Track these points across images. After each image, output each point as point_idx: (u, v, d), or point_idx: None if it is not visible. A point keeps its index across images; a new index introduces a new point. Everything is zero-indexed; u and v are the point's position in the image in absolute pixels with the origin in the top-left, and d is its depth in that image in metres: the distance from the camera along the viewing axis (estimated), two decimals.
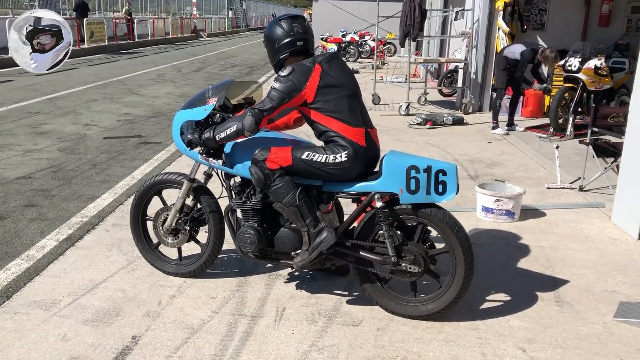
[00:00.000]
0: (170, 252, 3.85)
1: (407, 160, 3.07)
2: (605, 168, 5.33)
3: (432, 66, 14.10)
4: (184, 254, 3.79)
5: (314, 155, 3.12)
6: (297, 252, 3.28)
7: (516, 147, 7.45)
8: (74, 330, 3.09)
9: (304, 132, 3.59)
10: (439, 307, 3.15)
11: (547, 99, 9.56)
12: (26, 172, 6.11)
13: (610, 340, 3.04)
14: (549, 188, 5.61)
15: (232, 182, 3.53)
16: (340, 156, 3.08)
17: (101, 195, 5.37)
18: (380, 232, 3.18)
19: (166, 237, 3.70)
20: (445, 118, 8.82)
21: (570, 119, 7.85)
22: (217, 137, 3.20)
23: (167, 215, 3.66)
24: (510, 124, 8.38)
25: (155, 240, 3.81)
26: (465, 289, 3.12)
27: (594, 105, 5.51)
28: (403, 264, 3.13)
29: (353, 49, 21.00)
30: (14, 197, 5.30)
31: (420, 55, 10.89)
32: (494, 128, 8.27)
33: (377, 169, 3.23)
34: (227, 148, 3.39)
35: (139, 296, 3.47)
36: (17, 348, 2.92)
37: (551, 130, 7.96)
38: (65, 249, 4.13)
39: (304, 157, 3.13)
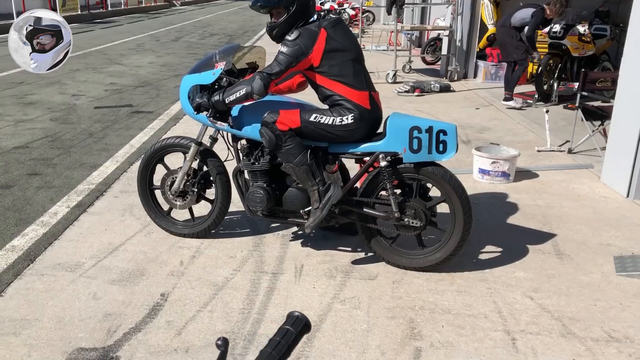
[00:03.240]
0: (181, 216, 3.96)
1: (410, 121, 3.22)
2: (593, 131, 5.55)
3: (413, 34, 14.19)
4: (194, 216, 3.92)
5: (322, 118, 3.24)
6: (307, 210, 3.42)
7: (504, 112, 7.65)
8: (103, 290, 3.20)
9: (306, 96, 3.68)
10: (446, 254, 3.33)
11: (530, 66, 9.77)
12: (22, 142, 6.11)
13: (609, 288, 3.28)
14: (539, 151, 5.83)
15: (239, 145, 3.63)
16: (347, 118, 3.21)
17: (103, 163, 5.42)
18: (384, 190, 3.34)
19: (175, 200, 3.80)
20: (432, 85, 8.97)
21: (555, 85, 8.06)
22: (226, 99, 3.29)
23: (174, 179, 3.76)
24: (509, 98, 8.11)
25: (165, 207, 3.91)
26: (467, 231, 3.30)
27: (583, 70, 5.69)
28: (406, 219, 3.30)
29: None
30: (16, 166, 5.32)
31: (402, 23, 10.97)
32: (506, 99, 7.93)
33: (380, 130, 3.37)
34: (235, 111, 3.47)
35: (160, 257, 3.59)
36: (51, 307, 3.03)
37: (536, 96, 8.16)
38: (78, 215, 4.21)
39: (311, 119, 3.25)
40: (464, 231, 3.27)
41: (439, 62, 11.41)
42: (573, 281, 3.34)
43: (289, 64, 3.18)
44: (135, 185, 4.67)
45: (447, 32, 10.21)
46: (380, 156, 3.22)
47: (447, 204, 3.29)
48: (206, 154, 3.68)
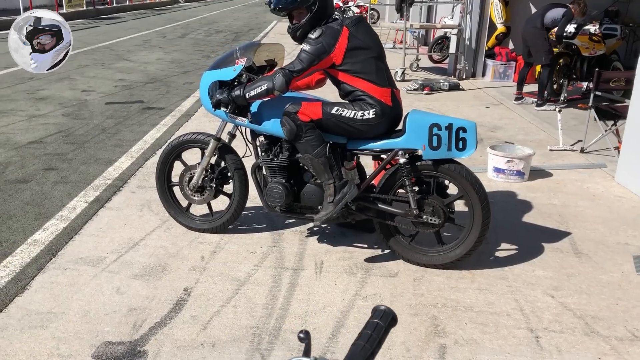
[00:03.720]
0: (200, 212, 3.99)
1: (430, 118, 3.24)
2: (606, 130, 5.56)
3: (419, 33, 14.18)
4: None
5: (343, 111, 3.26)
6: (321, 206, 3.44)
7: (514, 111, 7.66)
8: (126, 284, 3.22)
9: (325, 94, 3.68)
10: (465, 250, 3.35)
11: (538, 66, 9.77)
12: (36, 137, 6.13)
13: (630, 287, 3.29)
14: (551, 150, 5.84)
15: (257, 141, 3.65)
16: (368, 113, 3.23)
17: (118, 159, 5.44)
18: (402, 187, 3.35)
19: (193, 195, 3.82)
20: (441, 84, 8.98)
21: (565, 84, 8.07)
22: (247, 94, 3.30)
23: (192, 174, 3.78)
24: (520, 98, 8.14)
25: (184, 203, 3.93)
26: (486, 227, 3.31)
27: (597, 69, 5.70)
28: (424, 216, 3.32)
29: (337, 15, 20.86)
30: (31, 161, 5.34)
31: (405, 21, 10.97)
32: (539, 105, 7.79)
33: (398, 127, 3.38)
34: (254, 107, 3.49)
35: (181, 252, 3.60)
36: (76, 300, 3.05)
37: (546, 95, 8.16)
38: (96, 210, 4.23)
39: (333, 111, 3.27)
40: (482, 227, 3.29)
41: (446, 61, 11.41)
42: (593, 280, 3.36)
43: (311, 62, 3.19)
44: (152, 181, 4.71)
45: (455, 31, 10.21)
46: (400, 153, 3.24)
47: (465, 200, 3.30)
48: (224, 149, 3.70)
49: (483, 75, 10.05)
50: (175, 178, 3.90)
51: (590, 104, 5.69)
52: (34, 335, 2.76)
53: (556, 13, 7.58)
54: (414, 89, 8.89)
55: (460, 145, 3.16)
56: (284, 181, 3.47)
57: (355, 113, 3.24)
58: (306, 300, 3.10)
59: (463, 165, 3.28)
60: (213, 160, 3.74)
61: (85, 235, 3.83)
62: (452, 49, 10.42)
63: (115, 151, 5.68)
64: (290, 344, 2.73)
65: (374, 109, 3.23)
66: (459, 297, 3.16)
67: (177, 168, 3.88)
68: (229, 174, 3.75)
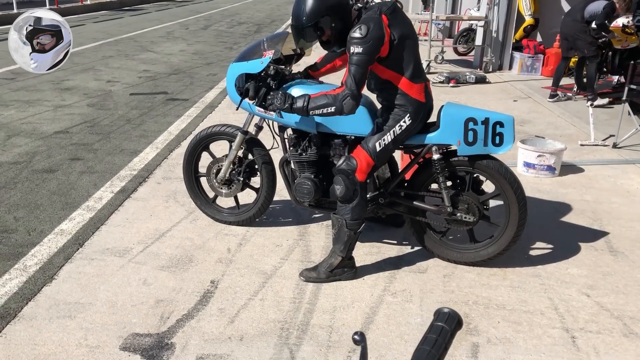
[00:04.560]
0: (226, 204, 3.96)
1: (465, 112, 3.12)
2: None
3: (443, 25, 13.99)
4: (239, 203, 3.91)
5: (384, 139, 3.07)
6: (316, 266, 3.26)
7: (543, 105, 7.51)
8: (153, 276, 3.20)
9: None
10: (499, 249, 3.26)
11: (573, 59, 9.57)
12: (62, 127, 6.15)
13: None
14: (582, 145, 5.70)
15: (285, 134, 3.57)
16: (405, 121, 3.06)
17: (143, 149, 5.43)
18: (436, 183, 3.25)
19: (221, 188, 3.78)
20: (467, 77, 8.84)
21: (596, 77, 7.87)
22: (310, 111, 3.06)
23: (219, 167, 3.74)
24: (555, 95, 7.81)
25: (211, 194, 3.90)
26: (521, 227, 3.21)
27: (632, 62, 5.54)
28: (458, 214, 3.22)
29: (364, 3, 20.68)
30: (58, 150, 5.36)
31: (432, 13, 10.81)
32: (591, 100, 6.98)
33: (430, 120, 3.27)
34: None
35: (207, 244, 3.58)
36: (103, 291, 3.04)
37: (575, 89, 7.99)
38: (122, 201, 4.22)
39: (378, 148, 3.07)
40: (518, 227, 3.19)
41: (472, 53, 11.23)
42: (630, 279, 3.26)
43: (367, 64, 2.90)
44: (177, 172, 4.70)
45: (482, 23, 10.04)
46: (434, 148, 3.15)
47: (502, 199, 3.21)
48: (252, 142, 3.65)
49: (510, 68, 9.87)
50: (202, 169, 3.87)
51: (624, 98, 5.53)
52: (62, 325, 2.75)
53: (596, 7, 7.28)
54: (440, 82, 8.76)
55: (497, 141, 3.06)
56: (312, 176, 3.38)
57: (394, 130, 3.06)
58: (334, 295, 3.05)
59: (501, 162, 3.18)
60: (240, 152, 3.70)
61: (112, 225, 3.82)
62: (479, 41, 10.24)
63: (140, 142, 5.68)
64: (319, 339, 2.68)
65: (408, 113, 3.05)
66: (490, 295, 3.08)
67: (205, 159, 3.85)
68: (257, 168, 3.70)
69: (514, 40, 9.88)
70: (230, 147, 3.67)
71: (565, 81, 9.02)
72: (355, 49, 2.86)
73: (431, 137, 3.15)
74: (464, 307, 2.96)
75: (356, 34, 2.87)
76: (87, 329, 2.72)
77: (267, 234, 3.72)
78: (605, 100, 7.47)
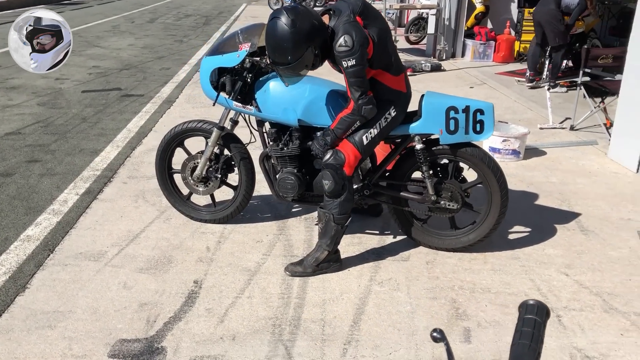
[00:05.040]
0: (201, 201, 3.87)
1: (446, 100, 3.15)
2: (596, 107, 5.59)
3: (393, 14, 14.09)
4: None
5: (370, 132, 3.04)
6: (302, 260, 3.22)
7: (499, 91, 7.67)
8: (133, 279, 3.10)
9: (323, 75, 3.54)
10: (480, 236, 3.31)
11: (516, 45, 9.82)
12: (13, 127, 5.88)
13: None
14: (541, 128, 5.86)
15: (264, 128, 3.51)
16: (390, 113, 3.05)
17: (103, 148, 5.25)
18: (419, 172, 3.27)
19: (197, 186, 3.69)
20: (423, 65, 8.93)
21: (546, 62, 8.09)
22: (340, 135, 3.04)
23: (195, 164, 3.64)
24: (533, 80, 7.91)
25: (185, 191, 3.81)
26: (502, 214, 3.27)
27: (585, 47, 5.72)
28: (442, 202, 3.25)
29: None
30: (12, 153, 5.11)
31: (385, 2, 10.88)
32: (551, 87, 7.24)
33: (411, 109, 3.27)
34: (261, 94, 3.30)
35: (185, 244, 3.49)
36: (82, 297, 2.92)
37: (527, 73, 8.19)
38: (89, 202, 4.06)
39: (365, 142, 3.05)
40: (500, 214, 3.24)
41: (423, 42, 11.37)
42: (603, 257, 3.37)
43: (363, 69, 2.85)
44: (142, 171, 4.58)
45: (434, 11, 10.15)
46: (416, 138, 3.16)
47: (484, 186, 3.25)
48: (229, 138, 3.57)
49: (463, 55, 10.04)
50: (176, 165, 3.76)
51: (579, 82, 5.71)
52: (42, 336, 2.63)
53: (570, 0, 7.43)
54: None
55: (478, 128, 3.10)
56: (295, 171, 3.32)
57: (379, 123, 3.04)
58: (322, 288, 3.03)
59: (484, 150, 3.23)
60: (216, 149, 3.61)
61: (82, 229, 3.68)
62: (431, 29, 10.36)
63: (99, 141, 5.49)
64: (312, 333, 2.66)
65: (392, 104, 3.05)
66: (474, 279, 3.13)
67: (178, 156, 3.74)
68: (234, 164, 3.62)
69: (465, 28, 10.05)
70: (206, 143, 3.58)
71: (518, 66, 9.28)
72: (349, 62, 2.80)
73: (414, 127, 3.16)
74: (451, 293, 2.99)
75: (342, 47, 2.79)
76: (71, 338, 2.61)
77: (245, 231, 3.66)
78: (564, 89, 7.69)
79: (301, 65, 2.92)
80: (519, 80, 8.18)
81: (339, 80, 3.47)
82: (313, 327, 2.70)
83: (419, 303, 2.90)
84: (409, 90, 3.18)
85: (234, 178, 3.76)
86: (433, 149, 3.20)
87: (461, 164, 3.31)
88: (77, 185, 4.36)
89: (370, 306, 2.87)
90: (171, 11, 20.18)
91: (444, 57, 9.89)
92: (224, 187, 3.75)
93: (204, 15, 19.00)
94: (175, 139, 3.65)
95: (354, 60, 2.80)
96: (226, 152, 3.64)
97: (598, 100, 5.70)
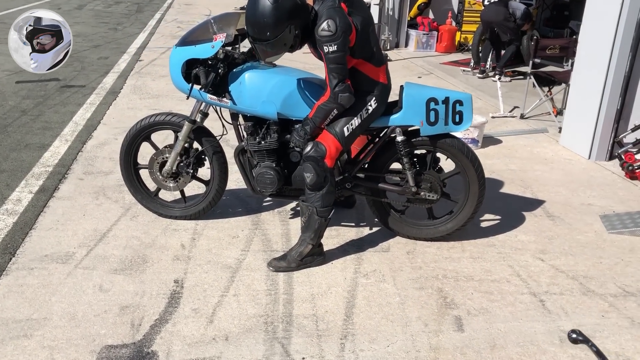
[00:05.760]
0: (170, 197, 3.73)
1: (426, 92, 3.15)
2: (546, 95, 5.80)
3: None
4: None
5: (351, 123, 3.01)
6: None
7: (446, 81, 7.82)
8: (109, 281, 2.94)
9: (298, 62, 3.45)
10: (458, 225, 3.36)
11: (457, 35, 10.04)
12: None
13: (606, 246, 3.46)
14: (493, 117, 6.01)
15: (239, 121, 3.40)
16: (371, 105, 3.03)
17: (51, 143, 4.95)
18: (399, 163, 3.27)
19: (166, 182, 3.54)
20: None
21: (510, 58, 8.30)
22: (318, 125, 3.00)
23: (164, 159, 3.50)
24: (484, 70, 8.13)
25: (152, 187, 3.65)
26: (480, 203, 3.33)
27: (535, 37, 5.91)
28: (422, 193, 3.27)
29: None
30: None
31: None
32: (499, 75, 7.46)
33: (390, 100, 3.26)
34: (234, 87, 3.17)
35: (157, 242, 3.34)
36: (56, 303, 2.74)
37: (471, 63, 8.40)
38: (45, 201, 3.82)
39: (347, 133, 3.01)
40: (477, 203, 3.29)
41: None
42: (572, 241, 3.49)
43: (344, 56, 2.80)
44: (98, 166, 4.38)
45: (377, 1, 10.20)
46: (397, 130, 3.15)
47: (462, 176, 3.29)
48: (199, 131, 3.43)
49: (406, 45, 10.16)
50: (141, 160, 3.59)
51: (529, 71, 5.90)
52: (19, 346, 2.44)
53: (516, 5, 7.64)
54: None
55: (457, 119, 3.13)
56: (274, 165, 3.24)
57: (361, 114, 3.02)
58: (308, 283, 2.98)
59: (462, 140, 3.26)
60: (186, 143, 3.46)
61: (42, 229, 3.45)
62: (375, 19, 10.41)
63: (45, 135, 5.17)
64: (306, 329, 2.61)
65: (374, 96, 3.02)
66: (456, 267, 3.17)
67: (143, 150, 3.58)
68: (205, 158, 3.49)
69: (408, 18, 10.17)
70: (176, 137, 3.43)
71: (460, 56, 9.50)
72: (330, 48, 2.76)
73: (394, 119, 3.14)
74: (436, 282, 3.02)
75: (325, 32, 2.75)
76: (52, 347, 2.44)
77: (219, 226, 3.55)
78: (508, 78, 7.92)
79: (280, 43, 2.87)
80: (464, 70, 8.37)
81: (314, 71, 3.42)
82: (306, 323, 2.65)
83: (407, 294, 2.91)
84: (390, 82, 3.16)
85: (203, 172, 3.64)
86: (412, 140, 3.20)
87: (438, 155, 3.34)
88: (29, 183, 4.09)
89: (359, 299, 2.85)
90: None
91: (388, 47, 9.98)
92: (192, 183, 3.61)
93: (135, 2, 18.28)
94: (141, 133, 3.48)
95: (335, 46, 2.77)
96: (195, 145, 3.50)
97: (546, 89, 5.92)
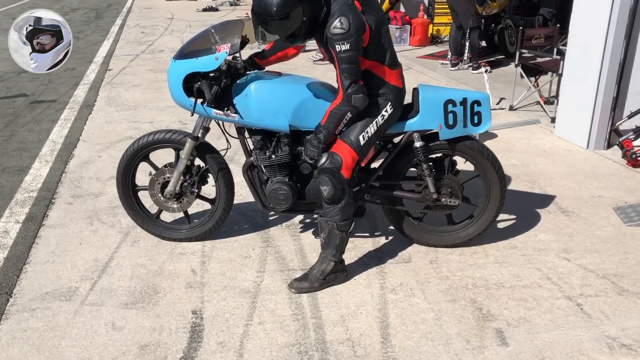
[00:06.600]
0: (169, 218, 3.52)
1: (443, 94, 3.01)
2: (534, 86, 5.75)
3: None
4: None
5: (367, 130, 2.86)
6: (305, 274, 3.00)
7: (427, 75, 7.73)
8: (120, 317, 2.72)
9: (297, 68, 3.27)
10: (480, 229, 3.24)
11: (430, 27, 9.98)
12: None
13: (627, 240, 3.39)
14: None
15: (246, 136, 3.20)
16: (387, 110, 2.88)
17: (31, 165, 4.65)
18: (419, 170, 3.12)
19: (168, 203, 3.33)
20: None
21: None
22: (332, 131, 2.83)
23: (165, 179, 3.28)
24: (457, 63, 8.05)
25: (154, 210, 3.43)
26: (501, 206, 3.21)
27: (521, 27, 5.84)
28: (443, 199, 3.14)
29: None
30: None
31: None
32: (475, 68, 7.66)
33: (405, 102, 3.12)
34: (240, 100, 2.97)
35: (165, 268, 3.13)
36: (67, 347, 2.51)
37: (449, 56, 8.33)
38: (35, 231, 3.55)
39: (362, 142, 2.86)
40: (499, 206, 3.18)
41: None
42: (593, 237, 3.42)
43: (357, 56, 2.65)
44: (85, 188, 4.17)
45: None
46: (415, 136, 3.00)
47: (482, 178, 3.16)
48: (202, 148, 3.22)
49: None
50: (139, 181, 3.37)
51: (516, 63, 5.84)
52: None
53: None
54: (320, 59, 8.65)
55: (476, 120, 3.00)
56: (287, 179, 3.05)
57: (377, 121, 2.86)
58: (335, 303, 2.81)
59: (481, 142, 3.14)
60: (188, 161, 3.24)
61: (38, 263, 3.19)
62: None
63: (22, 156, 4.86)
64: (344, 356, 2.44)
65: (390, 102, 2.87)
66: (484, 275, 3.05)
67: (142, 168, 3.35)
68: (210, 175, 3.29)
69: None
70: (177, 155, 3.21)
71: (435, 49, 9.43)
72: (342, 47, 2.60)
73: (411, 124, 2.99)
74: (467, 292, 2.89)
75: (337, 29, 2.59)
76: None
77: (228, 246, 3.35)
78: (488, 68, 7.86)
79: (284, 25, 2.68)
80: (442, 63, 8.30)
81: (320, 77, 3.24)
82: (343, 350, 2.49)
83: (441, 308, 2.77)
84: (404, 85, 3.01)
85: (206, 190, 3.44)
86: (431, 144, 3.06)
87: (455, 157, 3.21)
88: (14, 212, 3.81)
89: (392, 317, 2.70)
90: (54, 5, 18.63)
91: None
92: (195, 202, 3.40)
93: (93, 8, 17.73)
94: (139, 153, 3.25)
95: (348, 45, 2.61)
96: (197, 162, 3.30)
97: (532, 79, 5.87)
